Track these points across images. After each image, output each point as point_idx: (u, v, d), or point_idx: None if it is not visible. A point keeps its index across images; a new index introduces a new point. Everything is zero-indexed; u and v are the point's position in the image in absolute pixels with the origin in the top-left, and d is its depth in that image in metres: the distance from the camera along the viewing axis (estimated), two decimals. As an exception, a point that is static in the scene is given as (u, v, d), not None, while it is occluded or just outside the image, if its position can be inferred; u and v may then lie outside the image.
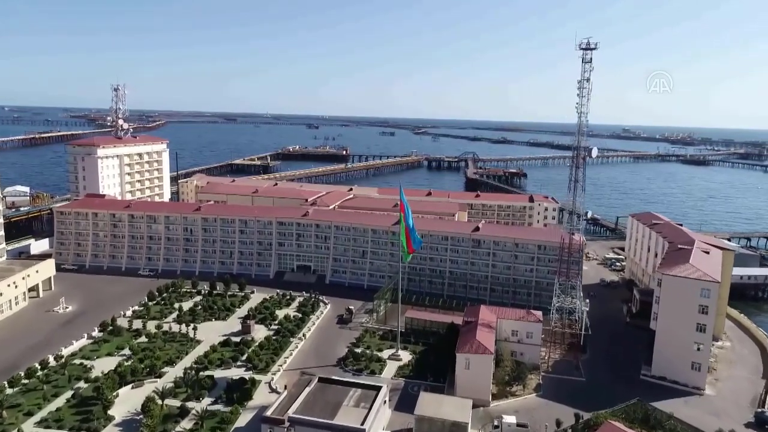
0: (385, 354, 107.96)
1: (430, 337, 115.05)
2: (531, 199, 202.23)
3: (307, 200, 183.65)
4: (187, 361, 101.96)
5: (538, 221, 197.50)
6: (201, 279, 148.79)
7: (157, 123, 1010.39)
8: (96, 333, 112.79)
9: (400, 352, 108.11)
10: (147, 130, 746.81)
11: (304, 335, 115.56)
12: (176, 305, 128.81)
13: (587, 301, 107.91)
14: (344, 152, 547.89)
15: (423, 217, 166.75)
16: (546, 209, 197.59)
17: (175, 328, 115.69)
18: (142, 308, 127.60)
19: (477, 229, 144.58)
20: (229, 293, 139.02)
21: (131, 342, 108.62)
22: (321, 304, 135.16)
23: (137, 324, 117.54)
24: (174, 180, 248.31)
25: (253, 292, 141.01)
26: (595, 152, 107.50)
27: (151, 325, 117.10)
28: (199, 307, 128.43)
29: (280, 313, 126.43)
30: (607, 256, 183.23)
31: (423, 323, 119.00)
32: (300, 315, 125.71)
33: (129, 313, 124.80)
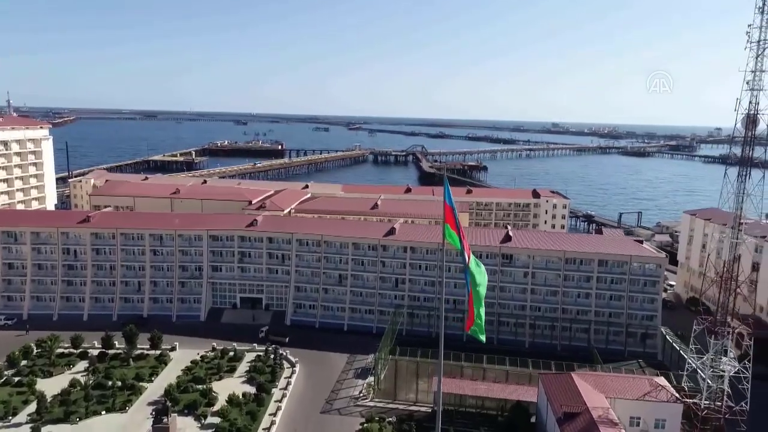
0: (414, 468, 61.89)
1: (479, 424, 70.03)
2: (535, 195, 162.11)
3: (251, 203, 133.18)
4: None
5: (545, 222, 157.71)
6: (91, 329, 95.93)
7: (65, 119, 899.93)
8: None
9: (441, 463, 62.10)
10: (54, 128, 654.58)
11: (265, 436, 67.20)
12: (39, 386, 76.02)
13: (732, 356, 66.77)
14: (280, 147, 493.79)
15: (414, 222, 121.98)
16: (555, 206, 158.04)
17: (29, 439, 63.66)
18: (-25, 397, 73.86)
19: (508, 238, 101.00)
20: (135, 353, 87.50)
21: (-74, 490, 56.01)
22: (285, 364, 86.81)
23: (-45, 436, 64.45)
24: (64, 181, 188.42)
25: (173, 349, 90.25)
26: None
27: (-15, 435, 64.46)
28: (78, 387, 76.19)
29: (221, 389, 76.88)
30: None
31: (463, 401, 73.68)
32: (254, 391, 76.87)
33: (-53, 409, 70.97)
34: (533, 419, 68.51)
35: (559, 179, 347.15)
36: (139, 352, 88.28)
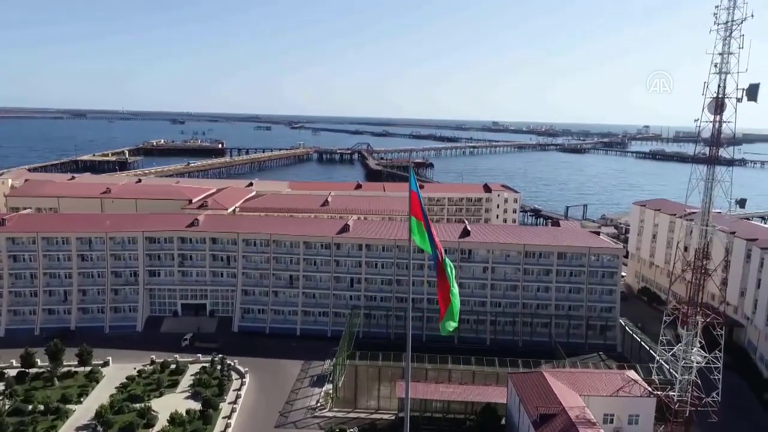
0: (381, 483, 56.92)
1: (446, 429, 66.04)
2: (487, 189, 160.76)
3: (191, 201, 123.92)
4: None
5: (497, 216, 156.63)
6: (9, 345, 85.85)
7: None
8: None
9: (409, 476, 57.39)
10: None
11: (214, 458, 60.29)
12: (-57, 416, 65.73)
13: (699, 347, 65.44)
14: (220, 146, 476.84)
15: (368, 218, 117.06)
16: (506, 200, 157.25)
17: (-72, 481, 54.04)
18: None
19: (466, 233, 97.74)
20: (60, 371, 77.99)
21: None
22: (233, 375, 79.75)
23: None
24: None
25: (106, 364, 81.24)
26: None
27: None
28: (-7, 415, 66.47)
29: (162, 407, 69.18)
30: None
31: (427, 405, 69.28)
32: (199, 407, 69.59)
33: None
34: (503, 421, 65.11)
35: (503, 175, 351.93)
36: (65, 369, 78.83)
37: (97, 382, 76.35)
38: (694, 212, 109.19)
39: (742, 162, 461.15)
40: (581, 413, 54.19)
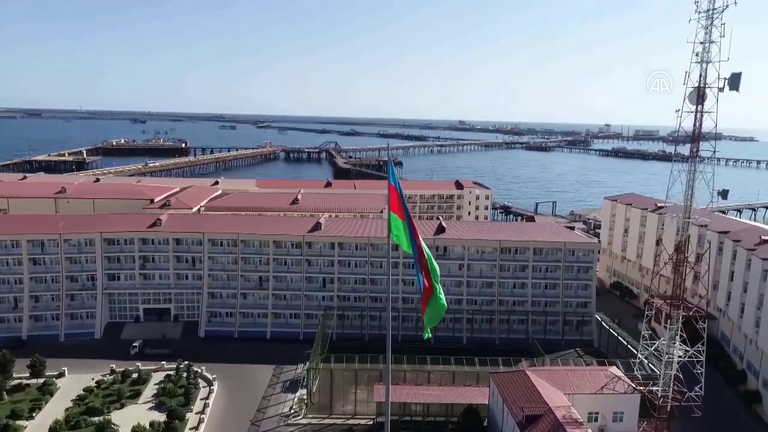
0: (360, 493, 53.97)
1: (425, 434, 63.52)
2: (458, 186, 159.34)
3: (152, 201, 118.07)
4: None
5: (469, 213, 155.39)
6: (-48, 357, 78.67)
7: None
8: None
9: (390, 484, 54.55)
10: None
11: (180, 474, 56.17)
12: None
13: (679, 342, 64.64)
14: (184, 145, 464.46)
15: (339, 216, 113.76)
16: (478, 197, 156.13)
17: None
18: None
19: (441, 229, 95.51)
20: (10, 384, 72.30)
21: None
22: (201, 382, 75.43)
23: None
24: None
25: (61, 375, 75.76)
26: None
27: None
28: (-67, 436, 60.73)
29: (123, 420, 64.55)
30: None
31: (406, 408, 66.63)
32: (164, 418, 65.22)
33: None
34: (485, 422, 62.97)
35: (471, 173, 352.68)
36: (16, 382, 73.21)
37: (52, 395, 70.96)
38: (665, 206, 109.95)
39: (701, 159, 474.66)
40: (568, 413, 52.43)
